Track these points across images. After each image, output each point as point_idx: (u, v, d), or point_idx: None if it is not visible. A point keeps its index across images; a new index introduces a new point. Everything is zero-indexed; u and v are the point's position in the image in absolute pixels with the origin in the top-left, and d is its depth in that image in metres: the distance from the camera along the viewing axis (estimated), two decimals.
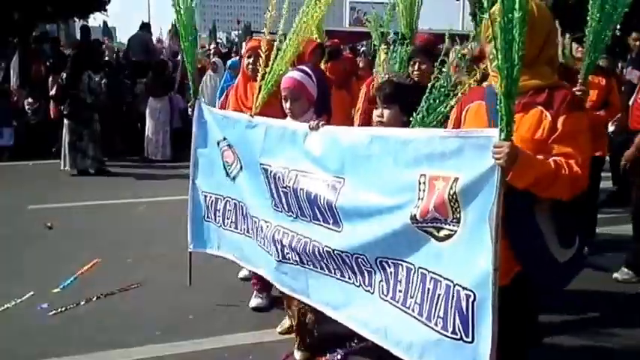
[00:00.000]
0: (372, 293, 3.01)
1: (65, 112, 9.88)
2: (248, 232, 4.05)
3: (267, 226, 3.72)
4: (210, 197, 4.40)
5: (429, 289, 2.65)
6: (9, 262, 5.73)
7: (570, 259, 2.65)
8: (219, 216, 4.33)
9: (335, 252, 3.16)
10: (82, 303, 4.75)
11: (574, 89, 3.60)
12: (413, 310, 2.73)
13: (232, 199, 4.19)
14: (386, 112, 3.28)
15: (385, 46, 3.98)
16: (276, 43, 4.00)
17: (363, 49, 17.24)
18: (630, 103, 5.58)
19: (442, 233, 2.58)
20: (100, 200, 8.19)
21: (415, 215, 2.65)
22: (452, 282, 2.52)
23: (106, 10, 19.18)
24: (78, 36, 18.30)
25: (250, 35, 13.80)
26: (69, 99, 9.81)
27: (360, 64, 8.09)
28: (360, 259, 3.04)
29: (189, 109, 4.53)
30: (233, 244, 4.28)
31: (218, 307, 4.65)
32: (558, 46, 2.62)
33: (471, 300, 2.42)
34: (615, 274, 5.35)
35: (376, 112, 3.36)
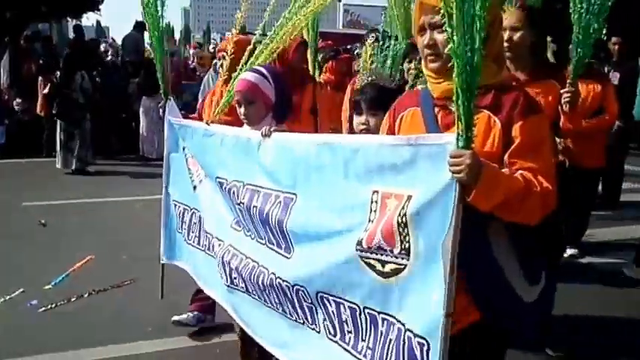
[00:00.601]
0: (319, 332, 2.57)
1: (54, 112, 9.94)
2: (209, 248, 3.64)
3: (220, 245, 3.33)
4: (179, 207, 4.03)
5: (381, 332, 2.22)
6: (2, 259, 5.70)
7: (539, 298, 2.19)
8: (184, 228, 3.94)
9: (277, 281, 2.71)
10: (73, 299, 4.73)
11: (562, 91, 3.42)
12: (365, 356, 2.31)
13: (198, 211, 3.81)
14: (372, 119, 2.94)
15: (373, 38, 3.73)
16: (249, 47, 3.64)
17: (357, 51, 17.24)
18: None
19: (388, 267, 2.13)
20: (95, 198, 8.21)
21: (362, 240, 2.20)
22: (403, 326, 2.10)
23: (99, 10, 19.20)
24: (71, 35, 18.30)
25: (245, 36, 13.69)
26: (59, 98, 9.85)
27: (355, 67, 8.13)
28: (300, 292, 2.58)
29: (160, 110, 4.16)
30: (193, 261, 3.87)
31: None
32: (504, 41, 2.29)
33: (425, 349, 2.00)
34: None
35: (359, 119, 3.03)
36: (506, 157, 2.05)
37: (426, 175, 1.98)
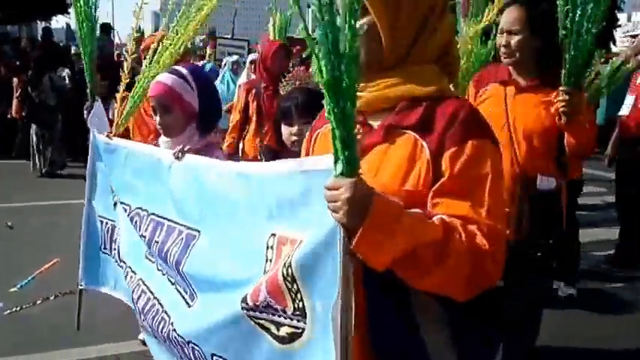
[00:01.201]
0: None
1: (24, 114, 9.97)
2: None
3: (131, 278, 2.72)
4: (107, 224, 3.33)
5: None
6: None
7: None
8: (114, 248, 3.19)
9: (173, 334, 2.17)
10: (39, 302, 4.68)
11: (557, 99, 2.74)
12: None
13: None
14: (306, 128, 2.46)
15: None
16: (153, 45, 3.20)
17: None
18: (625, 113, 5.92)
19: (284, 331, 1.65)
20: (64, 200, 8.10)
21: (247, 296, 1.71)
22: None
23: (68, 13, 19.05)
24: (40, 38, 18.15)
25: (214, 40, 13.71)
26: (29, 101, 9.86)
27: None
28: (196, 352, 2.04)
29: (85, 112, 3.58)
30: (126, 285, 3.04)
31: None
32: (455, 34, 1.80)
33: None
34: None
35: (290, 130, 2.70)
36: (429, 196, 1.46)
37: (318, 212, 1.49)
